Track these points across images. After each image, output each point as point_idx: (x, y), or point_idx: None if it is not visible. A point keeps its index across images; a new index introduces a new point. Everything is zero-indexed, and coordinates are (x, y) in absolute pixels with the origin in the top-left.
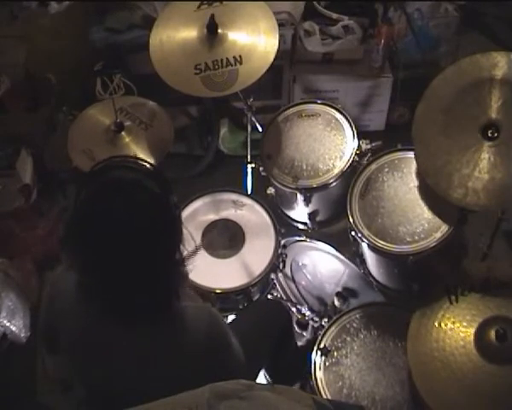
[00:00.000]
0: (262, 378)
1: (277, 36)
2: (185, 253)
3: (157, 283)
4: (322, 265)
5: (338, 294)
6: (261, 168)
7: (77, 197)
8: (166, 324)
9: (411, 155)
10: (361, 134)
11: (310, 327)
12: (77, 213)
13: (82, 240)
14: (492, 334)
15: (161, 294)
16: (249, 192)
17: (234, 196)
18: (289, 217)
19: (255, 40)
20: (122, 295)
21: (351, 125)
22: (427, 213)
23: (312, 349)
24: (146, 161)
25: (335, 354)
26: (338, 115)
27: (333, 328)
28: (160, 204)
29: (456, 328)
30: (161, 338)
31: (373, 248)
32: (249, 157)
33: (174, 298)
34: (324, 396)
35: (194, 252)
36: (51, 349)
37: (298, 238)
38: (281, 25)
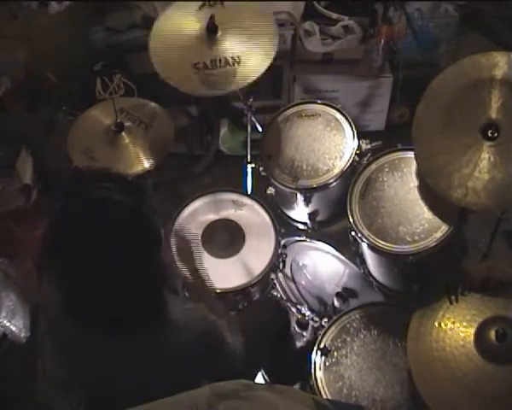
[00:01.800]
0: (260, 379)
1: (277, 38)
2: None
3: (141, 291)
4: (322, 265)
5: (338, 294)
6: (261, 168)
7: (49, 219)
8: (158, 329)
9: (411, 155)
10: (361, 134)
11: (310, 327)
12: (48, 236)
13: (55, 260)
14: (492, 334)
15: (147, 301)
16: (249, 192)
17: (234, 196)
18: (289, 217)
19: (254, 41)
20: (107, 309)
21: (351, 125)
22: (427, 213)
23: (312, 349)
24: (114, 173)
25: (335, 354)
26: (338, 115)
27: (333, 328)
28: (130, 215)
29: (456, 328)
30: (155, 343)
31: (373, 248)
32: (249, 157)
33: (159, 306)
34: (324, 396)
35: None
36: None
37: (298, 238)
38: (281, 25)
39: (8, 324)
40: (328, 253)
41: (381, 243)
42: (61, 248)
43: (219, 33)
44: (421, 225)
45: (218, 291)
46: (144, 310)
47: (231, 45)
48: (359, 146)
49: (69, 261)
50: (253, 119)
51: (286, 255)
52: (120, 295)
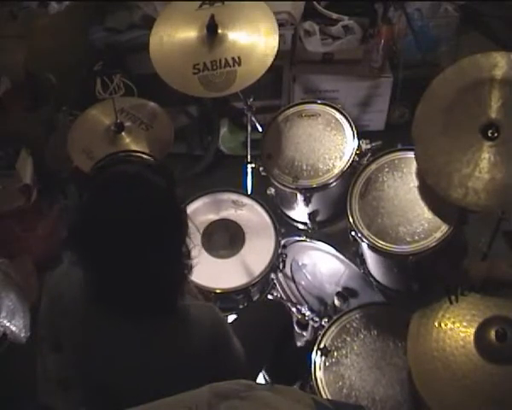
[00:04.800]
0: (261, 379)
1: (277, 38)
2: (190, 246)
3: (162, 277)
4: (322, 265)
5: (338, 293)
6: (261, 168)
7: (81, 193)
8: (170, 321)
9: (411, 155)
10: (361, 134)
11: (310, 327)
12: (81, 209)
13: (87, 236)
14: (492, 334)
15: (166, 289)
16: (249, 192)
17: (234, 196)
18: (289, 217)
19: (255, 41)
20: (127, 291)
21: (351, 125)
22: (427, 213)
23: (312, 349)
24: (150, 155)
25: (335, 354)
26: (338, 115)
27: (333, 328)
28: (164, 197)
29: (456, 328)
30: (164, 336)
31: (373, 248)
32: (249, 157)
33: (178, 294)
34: (324, 396)
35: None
36: (52, 348)
37: (298, 238)
38: (281, 25)
39: (8, 324)
40: (328, 253)
41: (381, 243)
42: (95, 222)
43: (220, 33)
44: (421, 225)
45: (218, 291)
46: (164, 297)
47: (231, 45)
48: (359, 146)
49: (101, 237)
50: (253, 119)
51: (286, 255)
52: (146, 278)
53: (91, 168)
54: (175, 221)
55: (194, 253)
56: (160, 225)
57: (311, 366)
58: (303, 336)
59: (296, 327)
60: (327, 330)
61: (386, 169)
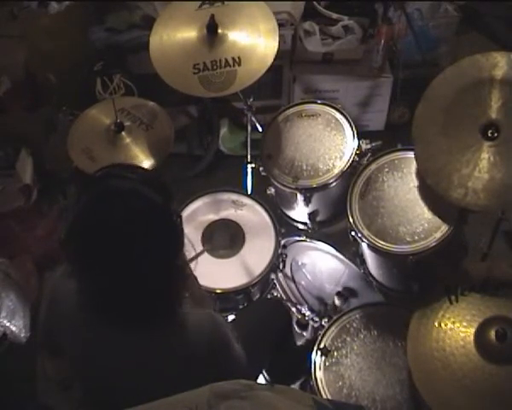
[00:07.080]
0: (261, 378)
1: (277, 38)
2: (187, 258)
3: (158, 288)
4: (322, 265)
5: (338, 293)
6: (261, 168)
7: (75, 206)
8: (167, 329)
9: (411, 155)
10: (361, 134)
11: (310, 327)
12: (75, 223)
13: (81, 249)
14: (492, 334)
15: (162, 299)
16: (249, 192)
17: (234, 196)
18: (289, 217)
19: (255, 41)
20: (122, 302)
21: (351, 125)
22: (427, 213)
23: (312, 349)
24: (145, 169)
25: (335, 354)
26: (338, 115)
27: (333, 328)
28: (158, 211)
29: (456, 328)
30: (162, 343)
31: (373, 248)
32: (249, 157)
33: (175, 304)
34: (324, 396)
35: (198, 255)
36: (51, 352)
37: (298, 238)
38: (281, 25)
39: (8, 324)
40: (328, 253)
41: (381, 243)
42: (89, 236)
43: (220, 33)
44: (421, 225)
45: (218, 291)
46: (161, 308)
47: (231, 45)
48: (359, 146)
49: (95, 250)
50: (253, 119)
51: (286, 255)
52: (140, 289)
53: (88, 178)
54: (168, 235)
55: (192, 265)
56: (153, 239)
57: (311, 366)
58: (303, 336)
59: (296, 327)
60: (327, 330)
61: (386, 169)
